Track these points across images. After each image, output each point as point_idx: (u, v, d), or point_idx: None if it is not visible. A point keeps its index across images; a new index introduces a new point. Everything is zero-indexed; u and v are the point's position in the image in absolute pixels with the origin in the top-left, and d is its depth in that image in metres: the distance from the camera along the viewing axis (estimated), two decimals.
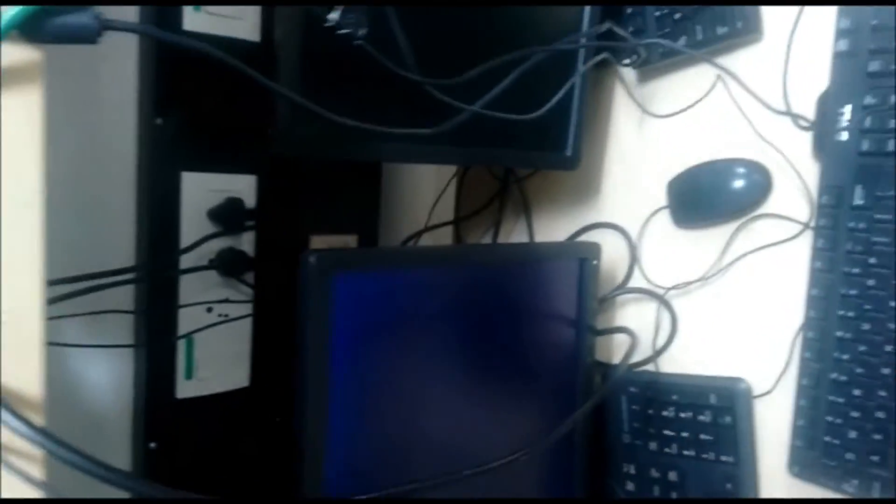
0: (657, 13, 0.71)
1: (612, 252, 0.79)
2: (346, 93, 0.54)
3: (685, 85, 0.73)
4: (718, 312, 0.72)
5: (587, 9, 0.69)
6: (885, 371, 0.58)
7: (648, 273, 0.77)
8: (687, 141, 0.74)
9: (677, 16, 0.69)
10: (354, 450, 0.54)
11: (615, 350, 0.81)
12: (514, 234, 0.91)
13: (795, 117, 0.65)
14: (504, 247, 0.82)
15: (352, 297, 0.53)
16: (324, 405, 0.51)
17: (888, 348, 0.58)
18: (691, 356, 0.74)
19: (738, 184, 0.68)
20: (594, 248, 0.70)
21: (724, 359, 0.72)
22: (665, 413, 0.72)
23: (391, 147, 0.58)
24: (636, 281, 0.79)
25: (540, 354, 0.68)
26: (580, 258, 0.70)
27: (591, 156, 0.82)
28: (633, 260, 0.78)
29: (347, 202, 0.79)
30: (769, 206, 0.68)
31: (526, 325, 0.67)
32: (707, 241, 0.72)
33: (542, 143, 0.69)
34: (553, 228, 0.86)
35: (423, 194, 0.98)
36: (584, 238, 0.83)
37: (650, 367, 0.76)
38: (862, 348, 0.59)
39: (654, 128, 0.77)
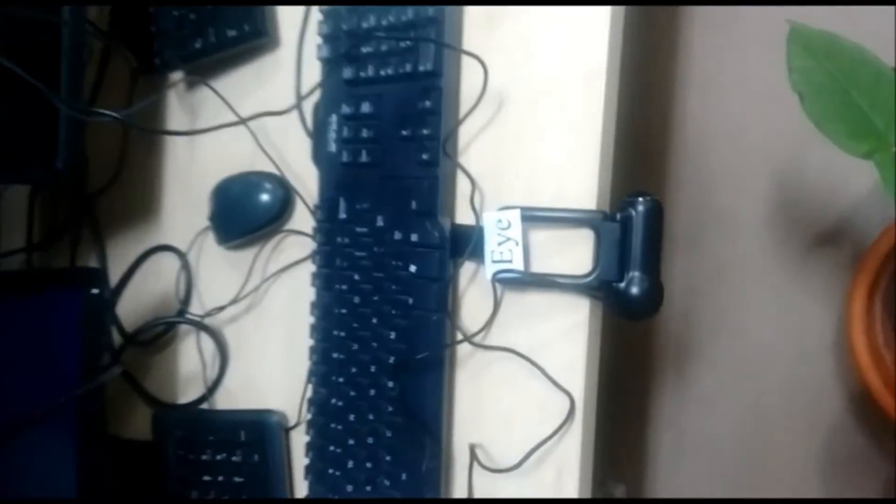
0: (175, 13, 0.64)
1: (175, 277, 0.71)
2: None
3: (224, 89, 0.68)
4: (262, 339, 0.66)
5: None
6: (372, 392, 0.55)
7: (203, 299, 0.70)
8: (230, 151, 0.68)
9: (192, 16, 0.63)
10: None
11: (178, 389, 0.72)
12: (94, 260, 0.80)
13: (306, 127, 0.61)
14: None
15: None
16: None
17: (373, 368, 0.55)
18: (245, 388, 0.68)
19: (265, 198, 0.63)
20: (93, 275, 0.61)
21: (271, 388, 0.66)
22: (204, 457, 0.65)
23: None
24: (195, 308, 0.71)
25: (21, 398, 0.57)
26: (75, 287, 0.60)
27: (151, 170, 0.74)
28: (189, 286, 0.71)
29: None
30: (294, 222, 0.64)
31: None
32: (246, 261, 0.66)
33: (25, 154, 0.59)
34: (128, 251, 0.76)
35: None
36: (149, 262, 0.74)
37: (206, 405, 0.69)
38: (353, 370, 0.56)
39: (201, 136, 0.70)
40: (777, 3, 0.72)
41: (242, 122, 0.52)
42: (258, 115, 0.50)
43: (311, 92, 0.58)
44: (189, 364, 0.71)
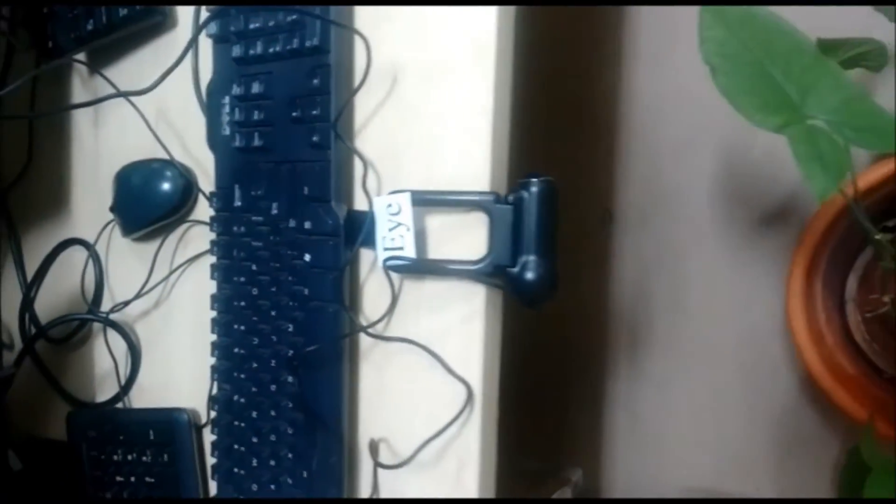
0: None
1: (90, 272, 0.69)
2: None
3: (123, 73, 0.64)
4: (172, 334, 0.64)
5: None
6: (273, 388, 0.52)
7: (115, 293, 0.67)
8: (134, 137, 0.64)
9: None
10: None
11: (96, 387, 0.70)
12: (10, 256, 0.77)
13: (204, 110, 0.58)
14: None
15: None
16: None
17: (273, 363, 0.52)
18: (159, 386, 0.65)
19: (166, 187, 0.60)
20: None
21: (183, 385, 0.63)
22: (116, 457, 0.62)
23: None
24: (107, 303, 0.68)
25: None
26: None
27: (60, 159, 0.71)
28: (100, 280, 0.68)
29: None
30: (199, 211, 0.61)
31: None
32: (152, 254, 0.63)
33: None
34: (43, 245, 0.73)
35: None
36: (63, 256, 0.71)
37: (121, 404, 0.66)
38: (254, 365, 0.53)
39: (107, 122, 0.67)
40: None
41: (121, 94, 0.49)
42: (113, 96, 0.48)
43: (174, 67, 0.53)
44: (105, 361, 0.68)
